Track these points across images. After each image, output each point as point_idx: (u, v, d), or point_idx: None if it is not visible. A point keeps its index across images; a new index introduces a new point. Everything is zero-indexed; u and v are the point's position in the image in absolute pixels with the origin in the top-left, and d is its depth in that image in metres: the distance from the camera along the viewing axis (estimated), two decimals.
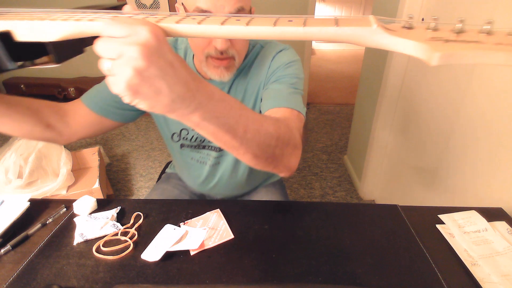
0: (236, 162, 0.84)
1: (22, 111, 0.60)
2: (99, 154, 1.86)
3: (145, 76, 0.29)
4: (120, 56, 0.28)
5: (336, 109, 3.34)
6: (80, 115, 0.71)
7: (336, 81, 4.25)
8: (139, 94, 0.30)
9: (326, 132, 2.81)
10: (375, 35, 0.29)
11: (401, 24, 0.30)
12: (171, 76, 0.31)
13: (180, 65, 0.32)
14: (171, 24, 0.32)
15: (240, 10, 0.60)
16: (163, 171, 1.11)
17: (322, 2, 6.24)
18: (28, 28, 0.32)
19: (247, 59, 0.75)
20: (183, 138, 0.82)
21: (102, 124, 0.74)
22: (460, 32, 0.28)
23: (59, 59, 0.35)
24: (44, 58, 0.35)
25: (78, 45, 0.35)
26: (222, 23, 0.32)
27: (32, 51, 0.35)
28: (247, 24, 0.31)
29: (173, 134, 0.83)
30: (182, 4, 0.64)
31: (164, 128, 0.84)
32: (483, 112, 0.92)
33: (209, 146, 0.82)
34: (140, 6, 2.66)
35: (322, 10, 6.31)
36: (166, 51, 0.30)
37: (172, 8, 2.67)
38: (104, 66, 0.30)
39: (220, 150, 0.82)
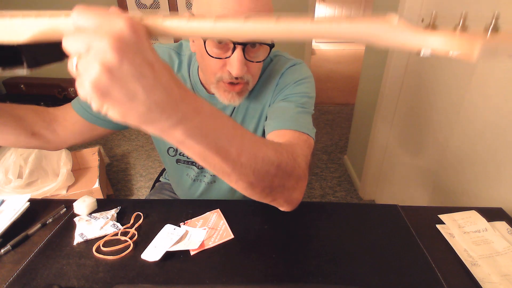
0: None
1: (4, 120, 0.55)
2: (99, 154, 1.86)
3: (116, 75, 0.24)
4: (88, 50, 0.24)
5: (336, 109, 3.34)
6: (70, 122, 0.65)
7: (336, 81, 4.25)
8: (108, 97, 0.25)
9: (326, 132, 2.81)
10: (397, 32, 0.25)
11: (422, 25, 0.27)
12: (149, 79, 0.25)
13: (162, 68, 0.27)
14: (157, 20, 0.27)
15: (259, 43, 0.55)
16: (157, 179, 1.08)
17: (322, 2, 6.24)
18: None
19: (260, 79, 0.67)
20: (180, 153, 0.77)
21: (93, 132, 0.69)
22: (495, 29, 0.26)
23: (32, 65, 0.29)
24: (13, 65, 0.30)
25: (56, 49, 0.27)
26: (216, 21, 0.27)
27: (4, 54, 0.30)
28: (246, 20, 0.27)
29: (169, 148, 0.78)
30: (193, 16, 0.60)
31: (159, 141, 0.78)
32: (483, 112, 0.92)
33: None
34: (140, 6, 2.66)
35: (322, 10, 6.32)
36: (146, 49, 0.25)
37: (172, 8, 2.67)
38: (72, 64, 0.25)
39: None
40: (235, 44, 0.53)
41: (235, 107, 0.70)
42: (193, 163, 0.79)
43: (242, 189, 0.40)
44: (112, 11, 0.25)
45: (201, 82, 0.69)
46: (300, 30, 0.27)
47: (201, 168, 0.79)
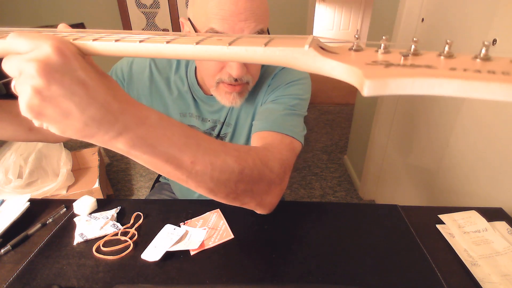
0: None
1: (1, 116, 0.57)
2: (99, 154, 1.86)
3: (46, 96, 0.26)
4: (20, 74, 0.26)
5: (336, 109, 3.34)
6: None
7: (336, 81, 4.22)
8: (44, 116, 0.27)
9: (326, 132, 2.81)
10: (308, 58, 0.24)
11: (350, 46, 0.25)
12: (81, 97, 0.27)
13: (97, 84, 0.28)
14: (87, 41, 0.28)
15: (260, 33, 0.54)
16: (157, 179, 1.08)
17: (322, 3, 6.24)
18: None
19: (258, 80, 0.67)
20: None
21: None
22: (414, 54, 0.22)
23: None
24: None
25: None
26: (142, 41, 0.28)
27: None
28: (168, 42, 0.28)
29: None
30: (190, 20, 0.57)
31: None
32: (483, 112, 0.92)
33: None
34: (140, 6, 2.66)
35: (322, 11, 6.32)
36: (75, 68, 0.27)
37: (172, 8, 2.67)
38: (12, 85, 0.27)
39: None
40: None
41: (230, 109, 0.69)
42: None
43: (205, 194, 0.40)
44: (44, 34, 0.27)
45: (198, 84, 0.69)
46: (217, 53, 0.27)
47: None
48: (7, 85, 0.34)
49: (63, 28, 0.32)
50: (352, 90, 3.73)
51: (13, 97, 0.30)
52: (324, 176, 2.16)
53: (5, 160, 1.49)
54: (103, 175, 1.83)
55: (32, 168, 1.46)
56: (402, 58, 0.22)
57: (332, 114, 3.21)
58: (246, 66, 0.56)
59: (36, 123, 0.28)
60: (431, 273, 0.57)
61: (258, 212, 0.49)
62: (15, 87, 0.27)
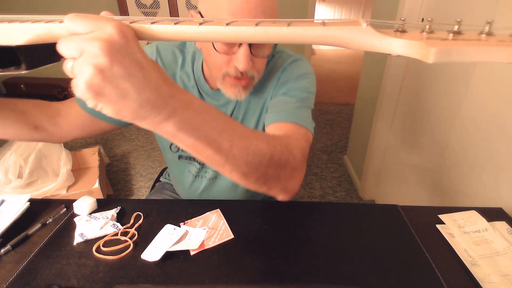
0: None
1: (6, 114, 0.56)
2: (99, 154, 1.86)
3: (108, 76, 0.26)
4: (81, 54, 0.26)
5: (336, 109, 3.34)
6: (73, 115, 0.66)
7: (336, 81, 4.25)
8: (102, 96, 0.27)
9: (326, 132, 2.81)
10: (365, 36, 0.27)
11: (393, 28, 0.28)
12: (139, 78, 0.28)
13: (151, 67, 0.29)
14: (145, 25, 0.29)
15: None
16: (157, 179, 1.07)
17: (322, 3, 6.24)
18: None
19: (264, 75, 0.67)
20: (182, 149, 0.78)
21: (95, 126, 0.69)
22: (458, 33, 0.26)
23: (29, 66, 0.32)
24: (12, 66, 0.32)
25: (52, 52, 0.30)
26: (201, 24, 0.29)
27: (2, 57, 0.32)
28: (228, 24, 0.28)
29: (171, 144, 0.78)
30: (200, 13, 0.58)
31: (161, 137, 0.76)
32: (482, 112, 0.92)
33: None
34: (140, 6, 2.66)
35: (322, 11, 6.32)
36: (135, 51, 0.28)
37: (172, 8, 2.67)
38: (67, 66, 0.27)
39: None
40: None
41: (237, 102, 0.70)
42: (195, 159, 0.78)
43: (237, 179, 0.41)
44: (103, 15, 0.28)
45: (204, 78, 0.70)
46: (277, 34, 0.28)
47: (203, 164, 0.79)
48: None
49: (106, 15, 0.32)
50: (352, 90, 3.74)
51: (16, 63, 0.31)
52: (324, 176, 2.16)
53: (5, 160, 1.49)
54: (103, 175, 1.83)
55: (32, 168, 1.46)
56: (451, 34, 0.26)
57: (332, 114, 3.21)
58: (252, 61, 0.57)
59: (91, 103, 0.28)
60: (431, 273, 0.57)
61: (279, 198, 0.50)
62: (74, 66, 0.27)
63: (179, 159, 0.80)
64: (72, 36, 0.27)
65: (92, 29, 0.27)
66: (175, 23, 0.29)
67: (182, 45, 0.72)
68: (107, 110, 0.29)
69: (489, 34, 0.26)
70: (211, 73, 0.63)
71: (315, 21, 0.29)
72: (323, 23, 0.27)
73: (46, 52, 0.32)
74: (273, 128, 0.59)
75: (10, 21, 0.31)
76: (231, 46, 0.56)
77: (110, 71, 0.26)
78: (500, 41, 0.24)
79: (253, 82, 0.62)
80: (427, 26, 0.27)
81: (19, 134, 0.60)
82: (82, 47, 0.26)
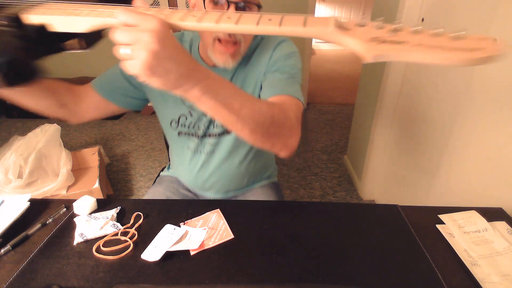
0: (232, 151, 0.84)
1: (42, 91, 0.65)
2: (99, 154, 1.86)
3: (160, 57, 0.35)
4: (137, 41, 0.34)
5: (336, 109, 3.34)
6: (90, 98, 0.77)
7: (336, 81, 4.25)
8: (154, 73, 0.36)
9: (326, 132, 2.81)
10: (332, 34, 0.37)
11: (356, 22, 0.38)
12: (177, 58, 0.37)
13: (181, 49, 0.39)
14: (176, 21, 0.39)
15: (248, 2, 0.65)
16: (158, 176, 1.09)
17: (322, 3, 6.24)
18: (63, 22, 0.41)
19: (248, 49, 0.76)
20: (181, 125, 0.84)
21: (108, 108, 0.80)
22: (396, 31, 0.35)
23: (89, 45, 0.45)
24: (75, 43, 0.45)
25: (99, 32, 0.44)
26: (218, 22, 0.37)
27: (61, 39, 0.44)
28: (237, 23, 0.37)
29: (172, 120, 0.84)
30: None
31: (163, 115, 0.86)
32: (482, 112, 0.92)
33: (205, 134, 0.83)
34: None
35: (322, 10, 6.31)
36: (171, 38, 0.37)
37: (172, 7, 2.67)
38: (120, 51, 0.35)
39: (216, 136, 0.83)
40: (229, 2, 0.64)
41: (234, 74, 0.78)
42: (193, 134, 0.84)
43: (247, 135, 0.50)
44: (138, 4, 0.39)
45: (201, 59, 0.80)
46: (272, 31, 0.38)
47: (201, 138, 0.85)
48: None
49: (140, 3, 0.40)
50: (352, 90, 3.74)
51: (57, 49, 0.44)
52: (324, 176, 2.16)
53: (5, 160, 1.49)
54: (103, 175, 1.83)
55: (32, 168, 1.46)
56: (390, 35, 0.35)
57: (332, 114, 3.21)
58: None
59: (144, 78, 0.37)
60: (431, 273, 0.57)
61: (281, 155, 0.58)
62: (131, 52, 0.35)
63: (178, 135, 0.86)
64: (126, 27, 0.35)
65: (140, 22, 0.35)
66: (198, 21, 0.38)
67: (181, 35, 0.83)
68: (156, 84, 0.37)
69: (416, 32, 0.35)
70: (204, 41, 0.73)
71: (299, 17, 0.39)
72: (304, 24, 0.37)
73: (96, 33, 0.43)
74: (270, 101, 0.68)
75: (76, 15, 0.41)
76: (220, 9, 0.64)
77: (161, 54, 0.35)
78: (419, 44, 0.33)
79: (240, 50, 0.70)
80: (375, 24, 0.37)
81: (48, 109, 0.68)
82: (137, 37, 0.34)
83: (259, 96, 0.75)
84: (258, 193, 0.94)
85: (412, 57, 0.32)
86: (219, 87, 0.44)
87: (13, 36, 0.41)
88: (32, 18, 0.41)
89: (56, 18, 0.41)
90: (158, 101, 0.84)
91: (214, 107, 0.44)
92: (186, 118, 0.83)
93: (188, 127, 0.84)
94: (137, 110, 0.87)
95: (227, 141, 0.83)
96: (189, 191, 0.98)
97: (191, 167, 0.89)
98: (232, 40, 0.67)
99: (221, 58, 0.69)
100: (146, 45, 0.34)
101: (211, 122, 0.82)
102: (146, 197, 0.94)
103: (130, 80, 0.79)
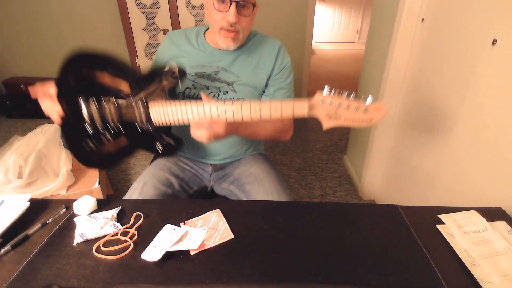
0: None
1: None
2: None
3: (214, 138, 0.75)
4: (209, 128, 0.73)
5: None
6: None
7: (336, 81, 4.25)
8: (213, 139, 0.75)
9: (326, 132, 2.81)
10: (304, 113, 0.69)
11: (318, 99, 0.69)
12: (222, 133, 0.75)
13: (223, 129, 0.74)
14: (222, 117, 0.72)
15: (247, 2, 0.83)
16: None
17: (322, 3, 6.24)
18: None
19: (250, 42, 0.98)
20: (186, 96, 0.98)
21: None
22: (337, 107, 0.67)
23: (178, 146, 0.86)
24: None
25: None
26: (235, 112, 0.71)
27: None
28: (238, 112, 0.71)
29: (179, 93, 0.97)
30: None
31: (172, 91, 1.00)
32: (483, 112, 0.92)
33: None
34: (140, 6, 2.66)
35: (322, 11, 6.31)
36: (223, 128, 0.74)
37: (172, 8, 2.67)
38: (196, 133, 0.74)
39: None
40: (231, 1, 0.82)
41: (238, 56, 0.96)
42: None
43: (261, 140, 1.00)
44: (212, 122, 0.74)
45: (208, 43, 0.98)
46: (268, 116, 0.71)
47: None
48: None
49: (206, 98, 0.73)
50: (352, 90, 3.73)
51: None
52: (324, 176, 2.16)
53: (5, 160, 1.49)
54: (103, 175, 1.82)
55: (32, 168, 1.46)
56: (335, 110, 0.68)
57: None
58: (238, 18, 0.85)
59: (207, 142, 0.76)
60: (431, 273, 0.57)
61: (281, 140, 1.00)
62: (205, 134, 0.73)
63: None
64: (202, 124, 0.73)
65: (208, 124, 0.73)
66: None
67: (189, 30, 1.01)
68: (213, 141, 0.76)
69: (348, 107, 0.67)
70: (212, 29, 0.92)
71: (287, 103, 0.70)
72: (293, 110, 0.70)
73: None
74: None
75: (183, 119, 0.74)
76: (224, 7, 0.84)
77: (217, 136, 0.75)
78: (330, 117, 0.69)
79: (239, 36, 0.89)
80: (331, 101, 0.68)
81: None
82: (211, 129, 0.73)
83: (264, 83, 0.99)
84: (250, 159, 1.06)
85: (346, 126, 0.68)
86: (245, 131, 0.86)
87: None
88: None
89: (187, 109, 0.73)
90: None
91: (247, 136, 0.90)
92: (191, 90, 0.96)
93: (192, 97, 0.97)
94: None
95: None
96: (188, 159, 1.07)
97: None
98: (233, 29, 0.86)
99: (225, 41, 0.88)
100: (214, 135, 0.74)
101: (213, 94, 0.96)
102: (147, 169, 1.01)
103: None
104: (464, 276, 0.57)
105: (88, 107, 0.74)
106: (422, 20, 1.31)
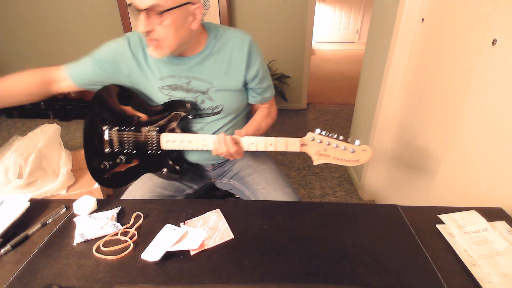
0: (216, 125, 1.03)
1: (22, 96, 0.88)
2: None
3: (232, 156, 0.84)
4: (227, 152, 0.82)
5: (336, 109, 3.33)
6: (64, 85, 0.92)
7: (336, 81, 4.25)
8: (230, 156, 0.84)
9: (326, 130, 2.81)
10: (296, 148, 0.81)
11: (309, 137, 0.81)
12: (240, 154, 0.84)
13: (237, 147, 0.82)
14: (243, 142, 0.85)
15: (154, 6, 0.74)
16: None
17: (322, 2, 6.24)
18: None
19: (214, 42, 0.89)
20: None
21: (83, 91, 1.02)
22: (326, 145, 0.78)
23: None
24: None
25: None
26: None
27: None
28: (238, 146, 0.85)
29: (161, 87, 0.93)
30: None
31: (149, 89, 0.94)
32: (483, 112, 0.92)
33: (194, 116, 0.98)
34: None
35: (322, 11, 6.31)
36: (238, 150, 0.83)
37: None
38: (218, 152, 0.84)
39: (202, 117, 1.01)
40: (139, 11, 0.77)
41: (204, 59, 0.90)
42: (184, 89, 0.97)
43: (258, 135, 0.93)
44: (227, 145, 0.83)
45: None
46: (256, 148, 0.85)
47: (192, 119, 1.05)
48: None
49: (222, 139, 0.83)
50: (352, 90, 3.74)
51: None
52: (324, 176, 2.16)
53: (5, 160, 1.49)
54: None
55: (32, 168, 1.46)
56: (324, 148, 0.80)
57: (332, 114, 3.21)
58: (149, 26, 0.77)
59: (226, 157, 0.86)
60: (431, 273, 0.57)
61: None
62: (226, 155, 0.84)
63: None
64: (220, 151, 0.83)
65: (226, 149, 0.82)
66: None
67: (128, 39, 0.92)
68: (230, 158, 0.86)
69: (337, 146, 0.78)
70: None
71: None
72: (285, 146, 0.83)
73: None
74: (261, 106, 1.05)
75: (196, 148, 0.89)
76: (138, 16, 0.78)
77: (232, 155, 0.83)
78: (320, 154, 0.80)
79: (163, 45, 0.81)
80: (321, 141, 0.80)
81: (26, 100, 0.90)
82: (228, 153, 0.82)
83: (241, 80, 0.93)
84: (248, 153, 1.06)
85: (335, 164, 0.73)
86: (253, 134, 0.88)
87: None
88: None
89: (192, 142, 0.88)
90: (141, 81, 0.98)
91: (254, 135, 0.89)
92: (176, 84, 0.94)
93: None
94: None
95: (211, 119, 0.95)
96: (187, 162, 1.09)
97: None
98: (149, 38, 0.80)
99: (149, 50, 0.83)
100: (230, 156, 0.83)
101: (192, 105, 0.93)
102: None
103: (105, 70, 0.90)
104: (464, 276, 0.57)
105: (109, 134, 0.90)
106: (422, 20, 1.31)
